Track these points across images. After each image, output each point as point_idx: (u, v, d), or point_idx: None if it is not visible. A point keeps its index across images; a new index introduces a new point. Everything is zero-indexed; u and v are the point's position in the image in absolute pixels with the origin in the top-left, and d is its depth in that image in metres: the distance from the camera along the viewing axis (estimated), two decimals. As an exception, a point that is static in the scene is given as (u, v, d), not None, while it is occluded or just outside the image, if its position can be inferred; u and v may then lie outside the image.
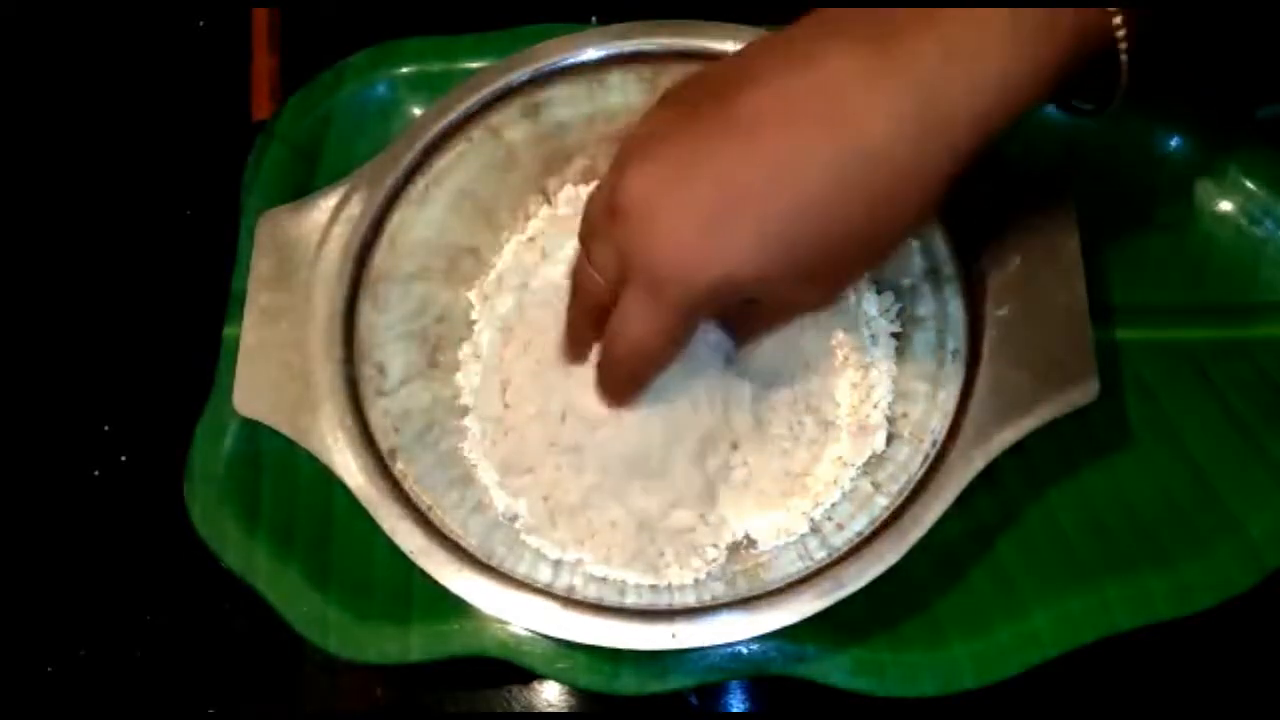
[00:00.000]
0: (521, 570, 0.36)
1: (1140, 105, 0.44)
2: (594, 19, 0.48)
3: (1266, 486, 0.40)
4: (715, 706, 0.41)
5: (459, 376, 0.42)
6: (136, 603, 0.44)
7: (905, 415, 0.39)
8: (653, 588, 0.38)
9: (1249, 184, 0.43)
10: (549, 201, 0.44)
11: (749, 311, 0.36)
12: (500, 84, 0.40)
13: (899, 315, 0.41)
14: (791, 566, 0.36)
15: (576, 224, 0.34)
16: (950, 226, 0.38)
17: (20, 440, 0.47)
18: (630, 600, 0.36)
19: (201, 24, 0.54)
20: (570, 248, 0.41)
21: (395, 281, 0.40)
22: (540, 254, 0.43)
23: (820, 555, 0.36)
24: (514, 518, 0.40)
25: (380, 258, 0.39)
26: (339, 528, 0.41)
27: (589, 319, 0.35)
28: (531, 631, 0.38)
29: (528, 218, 0.44)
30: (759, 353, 0.39)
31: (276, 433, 0.37)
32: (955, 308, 0.38)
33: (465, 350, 0.43)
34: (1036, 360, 0.35)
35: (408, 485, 0.37)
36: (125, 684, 0.44)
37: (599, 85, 0.41)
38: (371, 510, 0.36)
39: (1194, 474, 0.41)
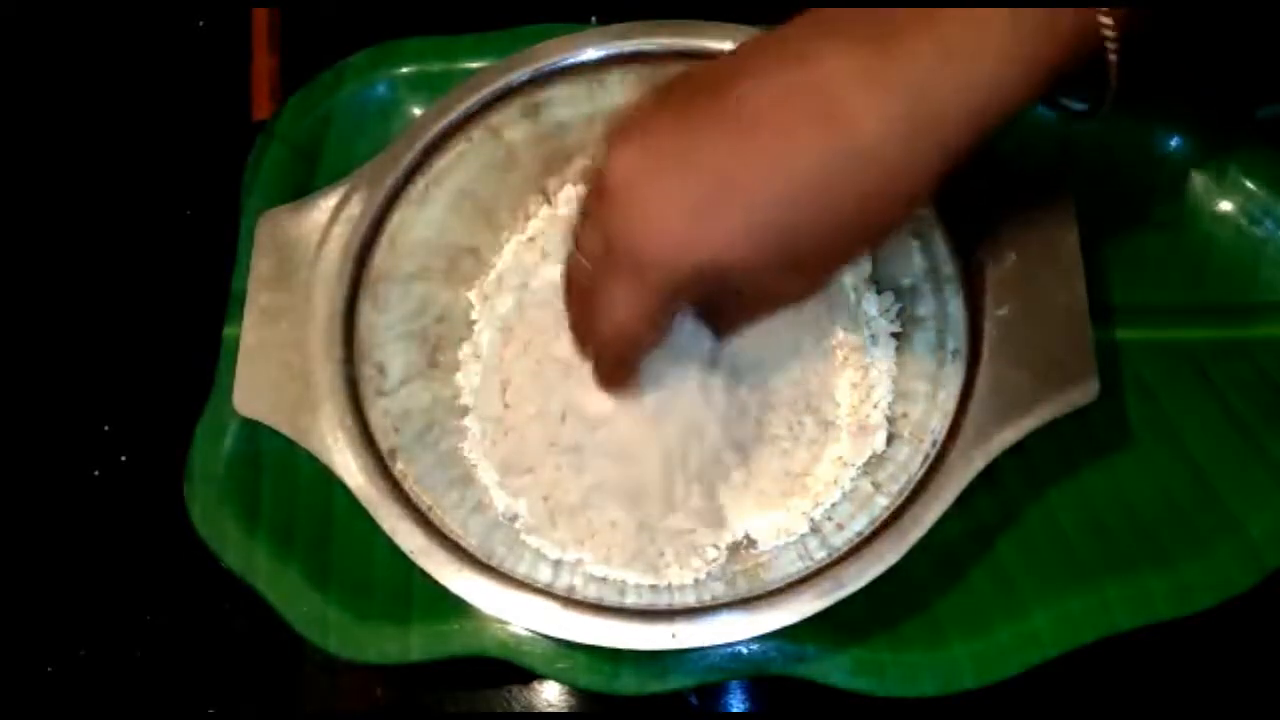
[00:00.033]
0: (521, 570, 0.36)
1: (1140, 105, 0.44)
2: (594, 19, 0.48)
3: (1266, 486, 0.40)
4: (715, 706, 0.41)
5: (459, 376, 0.42)
6: (136, 603, 0.44)
7: (905, 415, 0.39)
8: (653, 588, 0.38)
9: (1249, 184, 0.43)
10: (549, 201, 0.44)
11: (730, 301, 0.36)
12: (500, 84, 0.40)
13: (899, 315, 0.41)
14: (791, 566, 0.36)
15: (577, 224, 0.34)
16: (950, 226, 0.38)
17: (20, 440, 0.47)
18: (630, 600, 0.36)
19: (201, 24, 0.54)
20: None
21: (395, 281, 0.40)
22: (540, 254, 0.43)
23: (820, 555, 0.36)
24: (514, 518, 0.40)
25: (380, 258, 0.39)
26: (339, 528, 0.41)
27: (584, 309, 0.35)
28: (531, 631, 0.38)
29: (528, 218, 0.44)
30: (758, 353, 0.39)
31: (276, 433, 0.37)
32: (955, 308, 0.38)
33: (465, 350, 0.43)
34: (1036, 360, 0.35)
35: (408, 485, 0.37)
36: (125, 684, 0.44)
37: (599, 85, 0.41)
38: (371, 510, 0.36)
39: (1194, 474, 0.41)
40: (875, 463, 0.39)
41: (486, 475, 0.41)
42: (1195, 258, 0.44)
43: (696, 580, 0.38)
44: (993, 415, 0.35)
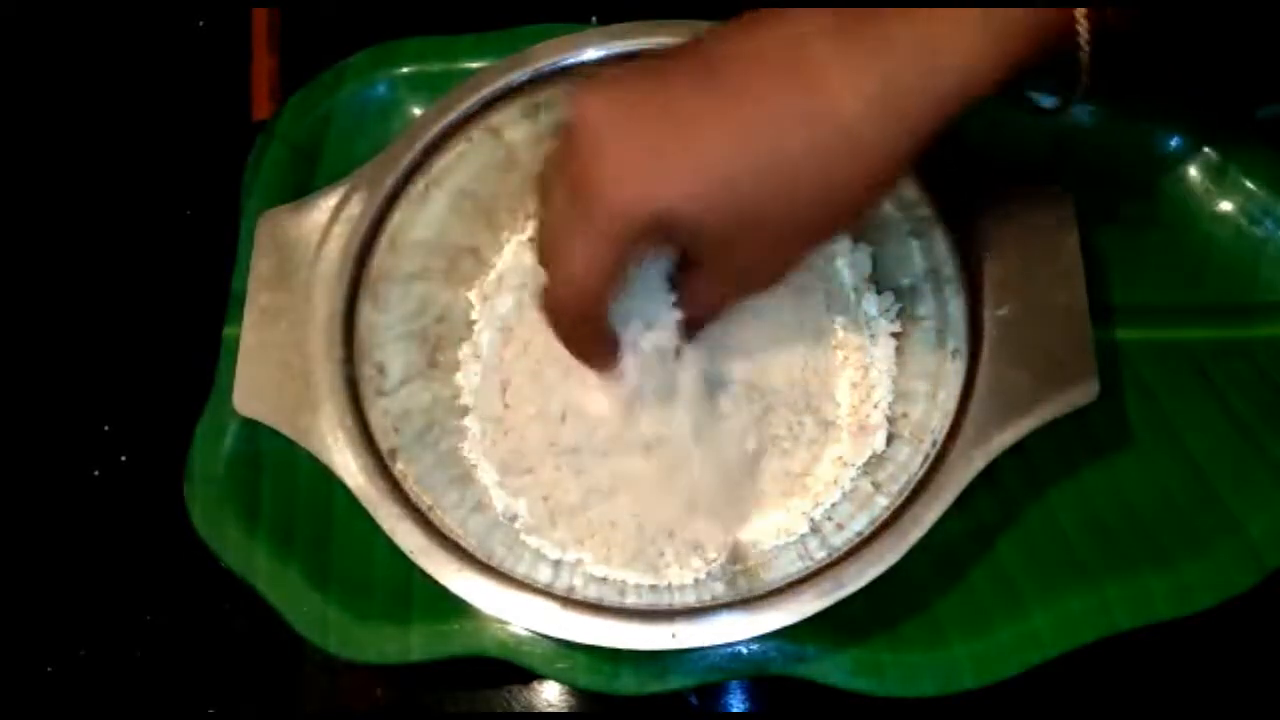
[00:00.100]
0: (521, 570, 0.36)
1: (1139, 105, 0.44)
2: (594, 19, 0.48)
3: (1266, 486, 0.40)
4: (715, 706, 0.41)
5: (459, 376, 0.42)
6: (136, 603, 0.44)
7: (905, 415, 0.39)
8: (653, 588, 0.38)
9: (1249, 184, 0.43)
10: (549, 201, 0.44)
11: (698, 279, 0.35)
12: (500, 84, 0.40)
13: (899, 315, 0.41)
14: (791, 566, 0.36)
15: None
16: (950, 226, 0.38)
17: (20, 440, 0.47)
18: (630, 600, 0.36)
19: (201, 24, 0.54)
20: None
21: (395, 281, 0.40)
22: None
23: (820, 555, 0.36)
24: (514, 518, 0.40)
25: (380, 258, 0.39)
26: (339, 528, 0.41)
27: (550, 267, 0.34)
28: (531, 631, 0.38)
29: (528, 218, 0.44)
30: (758, 354, 0.39)
31: (276, 433, 0.37)
32: (955, 308, 0.38)
33: (465, 350, 0.43)
34: (1036, 360, 0.35)
35: (408, 485, 0.37)
36: (125, 684, 0.44)
37: (599, 85, 0.41)
38: (371, 510, 0.36)
39: (1194, 474, 0.41)
40: (875, 463, 0.39)
41: (486, 475, 0.41)
42: (1195, 258, 0.44)
43: (696, 580, 0.38)
44: (993, 415, 0.35)
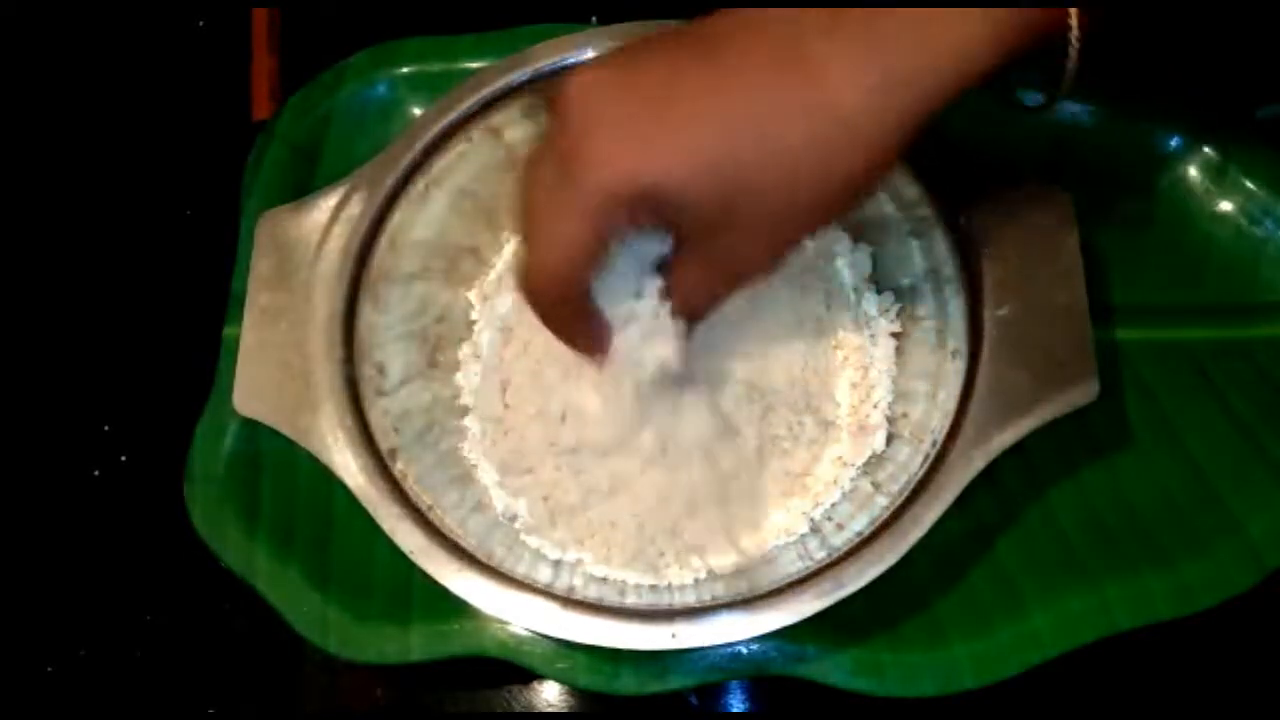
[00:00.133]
0: (521, 570, 0.36)
1: (1139, 105, 0.44)
2: (594, 19, 0.48)
3: (1266, 486, 0.40)
4: (715, 706, 0.41)
5: (459, 376, 0.42)
6: (136, 603, 0.44)
7: (905, 415, 0.39)
8: (653, 588, 0.38)
9: (1249, 184, 0.43)
10: (549, 201, 0.44)
11: (684, 265, 0.33)
12: (500, 84, 0.40)
13: (899, 315, 0.41)
14: (791, 566, 0.36)
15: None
16: (950, 226, 0.38)
17: (20, 440, 0.47)
18: (630, 600, 0.36)
19: (201, 24, 0.54)
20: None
21: (395, 281, 0.40)
22: (540, 254, 0.43)
23: (820, 555, 0.36)
24: (514, 518, 0.40)
25: (380, 258, 0.39)
26: (339, 528, 0.41)
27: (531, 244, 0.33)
28: (531, 631, 0.38)
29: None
30: (758, 354, 0.39)
31: (276, 433, 0.37)
32: (955, 308, 0.38)
33: (465, 350, 0.43)
34: (1036, 360, 0.35)
35: (408, 485, 0.37)
36: (125, 684, 0.44)
37: (599, 85, 0.41)
38: (371, 510, 0.36)
39: (1194, 474, 0.41)
40: (875, 463, 0.39)
41: (486, 475, 0.41)
42: (1195, 258, 0.44)
43: (696, 580, 0.38)
44: (993, 415, 0.35)
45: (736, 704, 0.41)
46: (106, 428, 0.47)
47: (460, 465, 0.41)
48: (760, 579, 0.36)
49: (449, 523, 0.36)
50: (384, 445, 0.37)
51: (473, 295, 0.43)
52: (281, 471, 0.42)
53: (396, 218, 0.40)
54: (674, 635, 0.34)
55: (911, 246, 0.40)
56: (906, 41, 0.28)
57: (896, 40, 0.28)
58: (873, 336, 0.41)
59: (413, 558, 0.35)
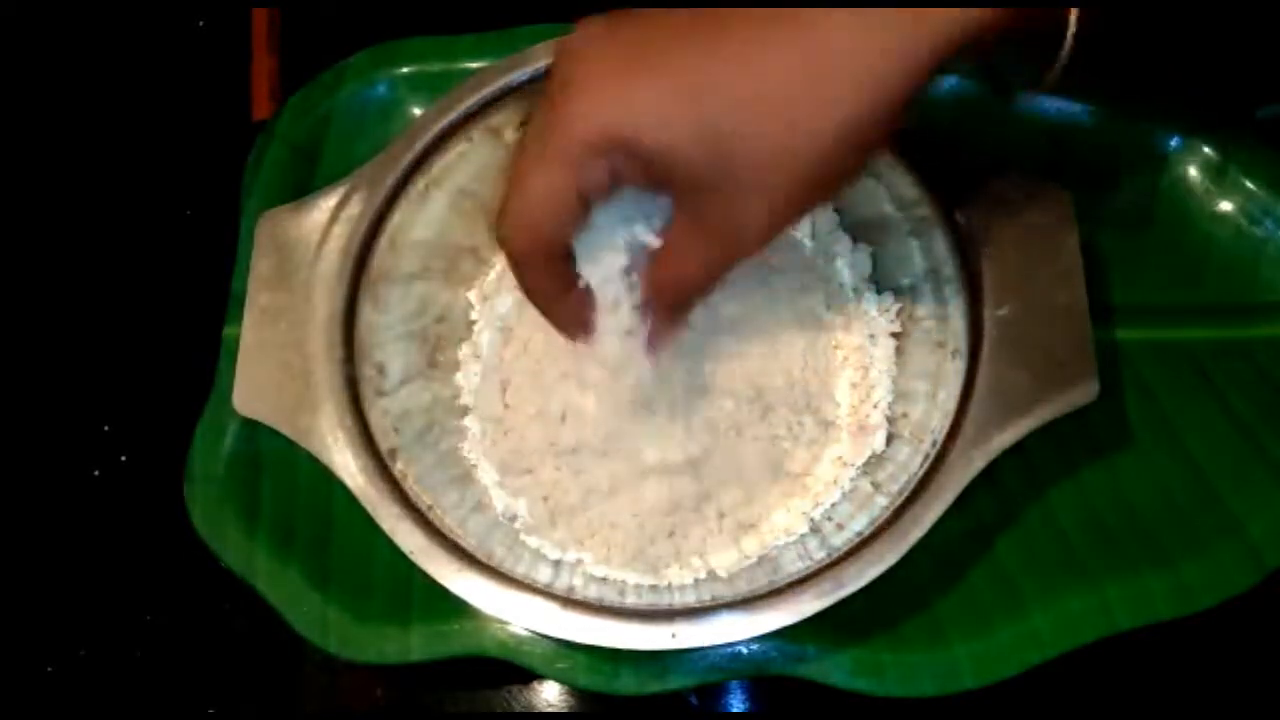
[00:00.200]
0: (521, 570, 0.36)
1: (1139, 105, 0.44)
2: (594, 19, 0.48)
3: (1266, 486, 0.40)
4: (715, 706, 0.41)
5: (459, 376, 0.42)
6: (136, 603, 0.44)
7: (905, 415, 0.39)
8: (653, 588, 0.38)
9: (1249, 184, 0.43)
10: (549, 201, 0.44)
11: (674, 232, 0.32)
12: (500, 84, 0.40)
13: (899, 315, 0.41)
14: (791, 566, 0.36)
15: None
16: (950, 226, 0.38)
17: (20, 440, 0.47)
18: (630, 600, 0.36)
19: (201, 24, 0.54)
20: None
21: (395, 281, 0.40)
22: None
23: (820, 555, 0.36)
24: (514, 518, 0.40)
25: (380, 258, 0.39)
26: (339, 528, 0.41)
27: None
28: (531, 631, 0.38)
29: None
30: (758, 353, 0.39)
31: (276, 433, 0.37)
32: (955, 308, 0.38)
33: (465, 350, 0.43)
34: (1036, 360, 0.35)
35: (408, 485, 0.37)
36: (125, 684, 0.44)
37: (599, 85, 0.41)
38: (371, 510, 0.36)
39: (1194, 474, 0.41)
40: (875, 463, 0.39)
41: (486, 475, 0.41)
42: (1195, 258, 0.44)
43: (696, 580, 0.38)
44: (993, 415, 0.35)
45: (736, 704, 0.41)
46: (106, 428, 0.47)
47: (460, 465, 0.41)
48: (760, 579, 0.36)
49: (449, 523, 0.36)
50: (384, 445, 0.37)
51: (473, 295, 0.43)
52: (281, 471, 0.42)
53: (396, 218, 0.40)
54: (674, 635, 0.34)
55: (911, 246, 0.39)
56: (904, 13, 0.27)
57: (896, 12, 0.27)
58: (873, 336, 0.41)
59: (413, 558, 0.35)
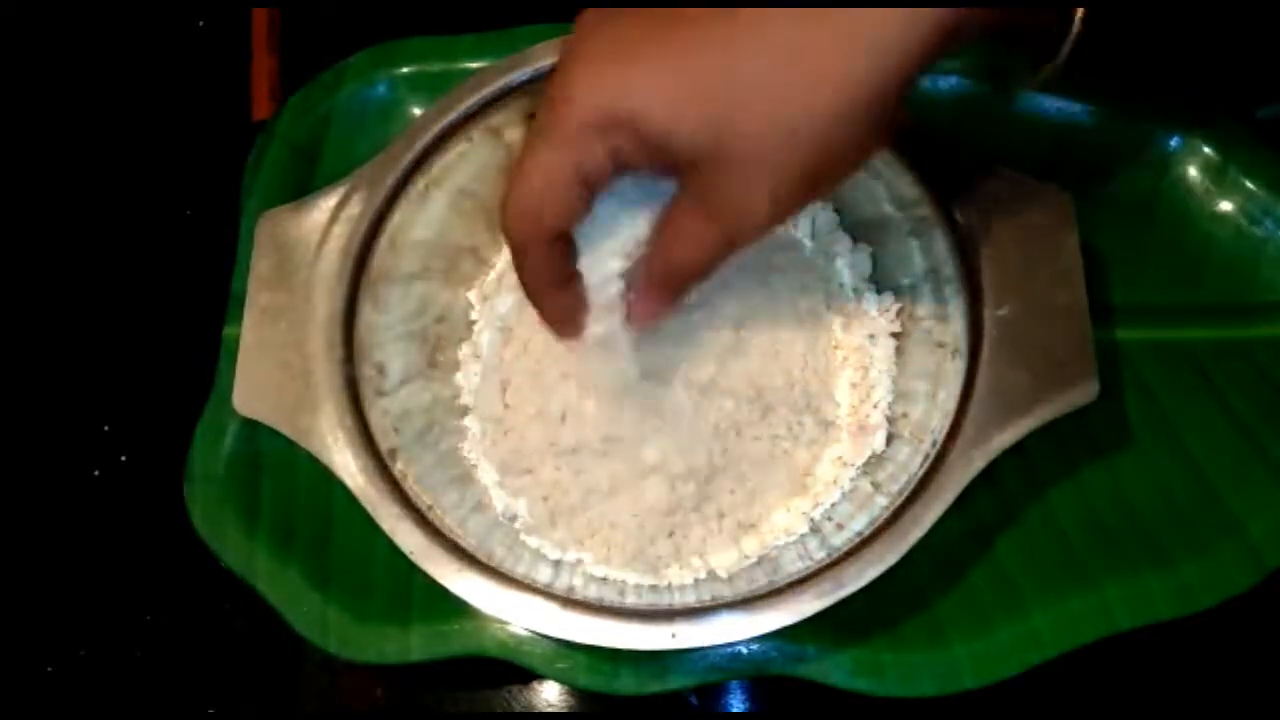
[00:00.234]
0: (521, 570, 0.36)
1: (1139, 105, 0.44)
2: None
3: (1266, 486, 0.40)
4: (715, 706, 0.41)
5: (459, 376, 0.42)
6: (136, 603, 0.44)
7: (905, 415, 0.39)
8: (653, 588, 0.38)
9: (1249, 184, 0.43)
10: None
11: (675, 211, 0.31)
12: (500, 84, 0.40)
13: (899, 315, 0.41)
14: (791, 566, 0.36)
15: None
16: (950, 226, 0.38)
17: (20, 440, 0.47)
18: (630, 600, 0.36)
19: (201, 24, 0.54)
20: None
21: (395, 281, 0.40)
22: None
23: (820, 555, 0.36)
24: (513, 518, 0.40)
25: (380, 258, 0.39)
26: (339, 528, 0.41)
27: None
28: (531, 631, 0.38)
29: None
30: (759, 354, 0.39)
31: (276, 433, 0.37)
32: (955, 308, 0.38)
33: (465, 350, 0.43)
34: (1036, 360, 0.35)
35: (408, 485, 0.37)
36: (125, 684, 0.44)
37: (599, 85, 0.41)
38: (371, 510, 0.36)
39: (1194, 474, 0.41)
40: (875, 463, 0.39)
41: (486, 475, 0.41)
42: (1195, 258, 0.44)
43: (696, 580, 0.38)
44: (993, 415, 0.35)
45: (736, 704, 0.42)
46: (106, 428, 0.47)
47: (460, 465, 0.41)
48: (760, 579, 0.36)
49: (449, 523, 0.36)
50: (384, 445, 0.37)
51: (473, 295, 0.43)
52: (281, 471, 0.42)
53: (396, 218, 0.40)
54: (674, 635, 0.34)
55: (911, 246, 0.39)
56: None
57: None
58: (873, 336, 0.41)
59: (413, 558, 0.35)
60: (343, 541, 0.41)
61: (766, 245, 0.40)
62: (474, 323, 0.43)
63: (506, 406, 0.40)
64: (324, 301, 0.38)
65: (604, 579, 0.38)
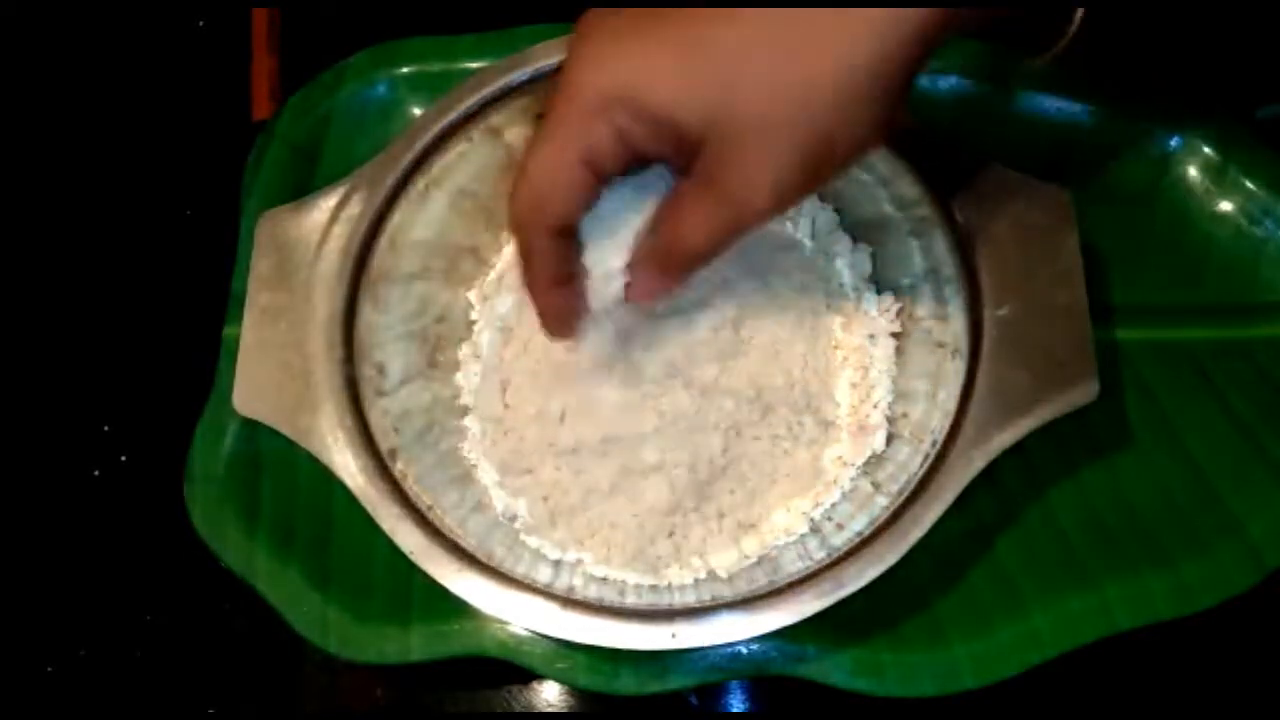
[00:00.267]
0: (521, 570, 0.36)
1: (1139, 105, 0.44)
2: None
3: (1266, 486, 0.40)
4: (715, 706, 0.41)
5: (459, 376, 0.42)
6: (136, 603, 0.44)
7: (905, 415, 0.39)
8: (653, 588, 0.38)
9: (1249, 184, 0.43)
10: (549, 201, 0.44)
11: (678, 194, 0.31)
12: (500, 84, 0.39)
13: (899, 315, 0.41)
14: (791, 566, 0.36)
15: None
16: (950, 226, 0.38)
17: (20, 440, 0.47)
18: (630, 600, 0.36)
19: (201, 24, 0.54)
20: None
21: (395, 281, 0.40)
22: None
23: (820, 555, 0.36)
24: (513, 518, 0.40)
25: (380, 258, 0.39)
26: (339, 528, 0.41)
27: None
28: (531, 631, 0.38)
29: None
30: (759, 353, 0.39)
31: (276, 433, 0.37)
32: (955, 308, 0.38)
33: (465, 350, 0.43)
34: (1036, 360, 0.35)
35: (408, 485, 0.37)
36: (125, 684, 0.44)
37: (599, 85, 0.41)
38: (371, 510, 0.36)
39: (1194, 474, 0.41)
40: (875, 463, 0.39)
41: (486, 475, 0.41)
42: (1195, 258, 0.44)
43: (696, 580, 0.38)
44: (993, 415, 0.35)
45: (736, 704, 0.42)
46: (106, 428, 0.47)
47: (460, 465, 0.41)
48: (760, 579, 0.36)
49: (449, 523, 0.36)
50: (384, 445, 0.37)
51: (473, 295, 0.43)
52: (281, 471, 0.42)
53: (396, 218, 0.40)
54: (674, 635, 0.34)
55: (911, 246, 0.39)
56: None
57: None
58: (873, 336, 0.41)
59: (413, 558, 0.35)
60: (343, 541, 0.41)
61: (766, 245, 0.40)
62: (474, 323, 0.43)
63: (506, 406, 0.40)
64: (324, 301, 0.38)
65: (604, 579, 0.38)
